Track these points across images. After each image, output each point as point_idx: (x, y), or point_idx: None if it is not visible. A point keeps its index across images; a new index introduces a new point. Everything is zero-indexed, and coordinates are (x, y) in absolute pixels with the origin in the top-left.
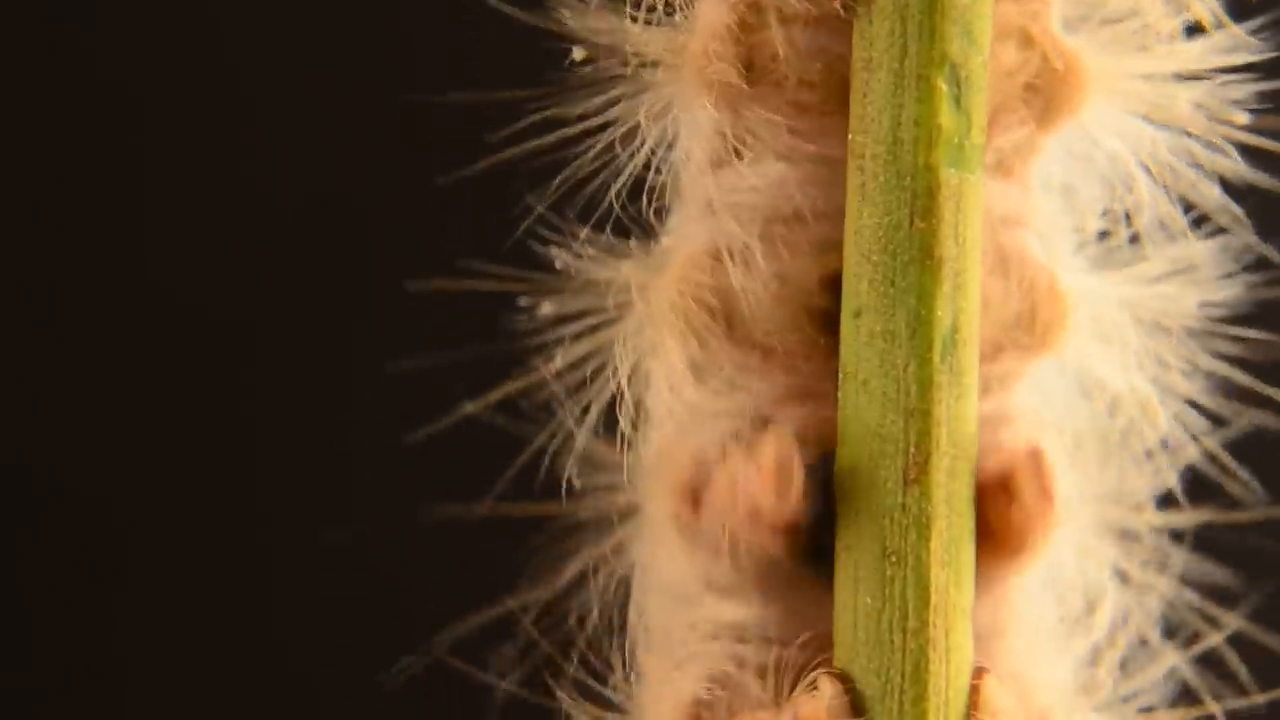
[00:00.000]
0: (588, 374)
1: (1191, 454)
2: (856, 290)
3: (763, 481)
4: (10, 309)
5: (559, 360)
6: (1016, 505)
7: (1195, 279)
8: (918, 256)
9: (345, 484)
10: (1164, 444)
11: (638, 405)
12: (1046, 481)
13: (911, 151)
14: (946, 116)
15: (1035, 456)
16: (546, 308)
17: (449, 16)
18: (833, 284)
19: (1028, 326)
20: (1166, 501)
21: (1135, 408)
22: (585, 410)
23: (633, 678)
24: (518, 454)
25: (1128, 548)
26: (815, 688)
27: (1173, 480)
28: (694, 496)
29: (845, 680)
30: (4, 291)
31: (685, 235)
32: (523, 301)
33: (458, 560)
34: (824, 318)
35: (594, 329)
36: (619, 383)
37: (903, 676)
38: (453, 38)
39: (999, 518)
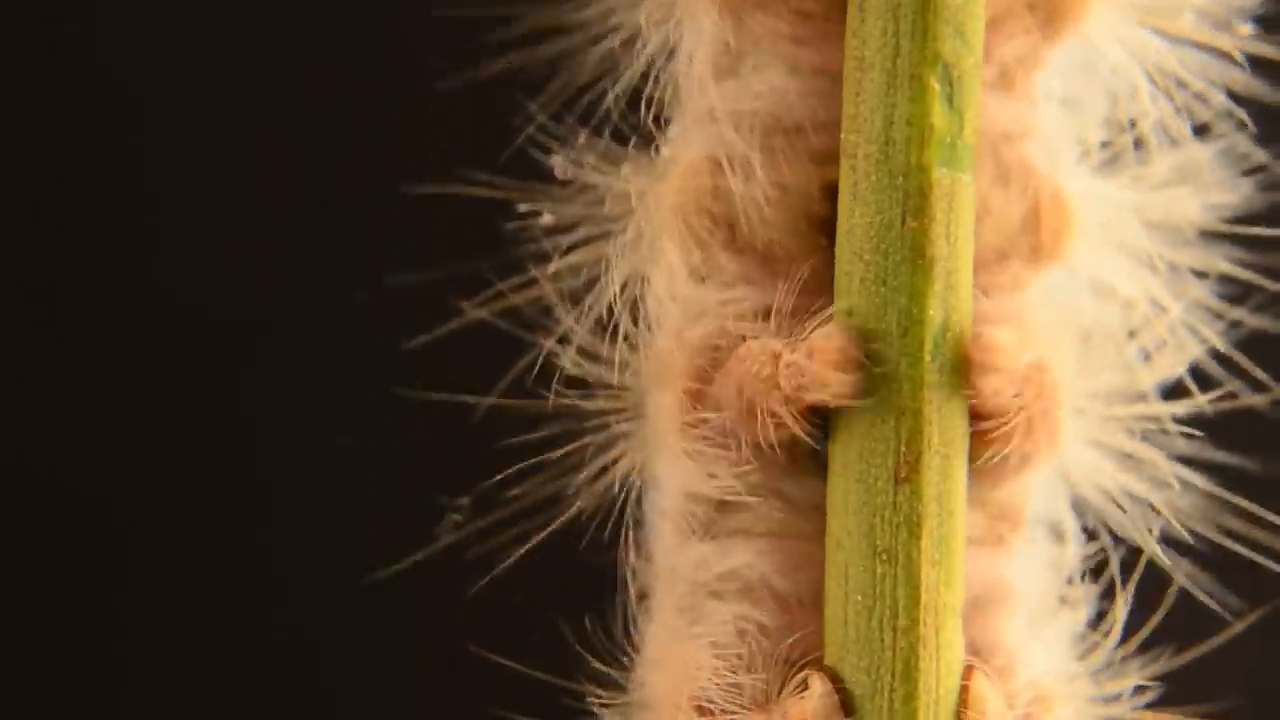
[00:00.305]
0: (588, 280)
1: (1197, 353)
2: (848, 289)
3: (820, 362)
4: (10, 309)
5: (559, 267)
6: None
7: (1200, 183)
8: (909, 256)
9: (347, 483)
10: (1170, 343)
11: (635, 310)
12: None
13: (904, 151)
14: (939, 116)
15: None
16: (547, 217)
17: None
18: (832, 192)
19: (1032, 235)
20: (1171, 395)
21: (1143, 309)
22: (584, 315)
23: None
24: (518, 358)
25: (1134, 444)
26: (805, 687)
27: (1178, 376)
28: (699, 389)
29: (835, 679)
30: (4, 291)
31: (686, 143)
32: (522, 209)
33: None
34: (824, 224)
35: (594, 237)
36: (616, 290)
37: (893, 675)
38: None
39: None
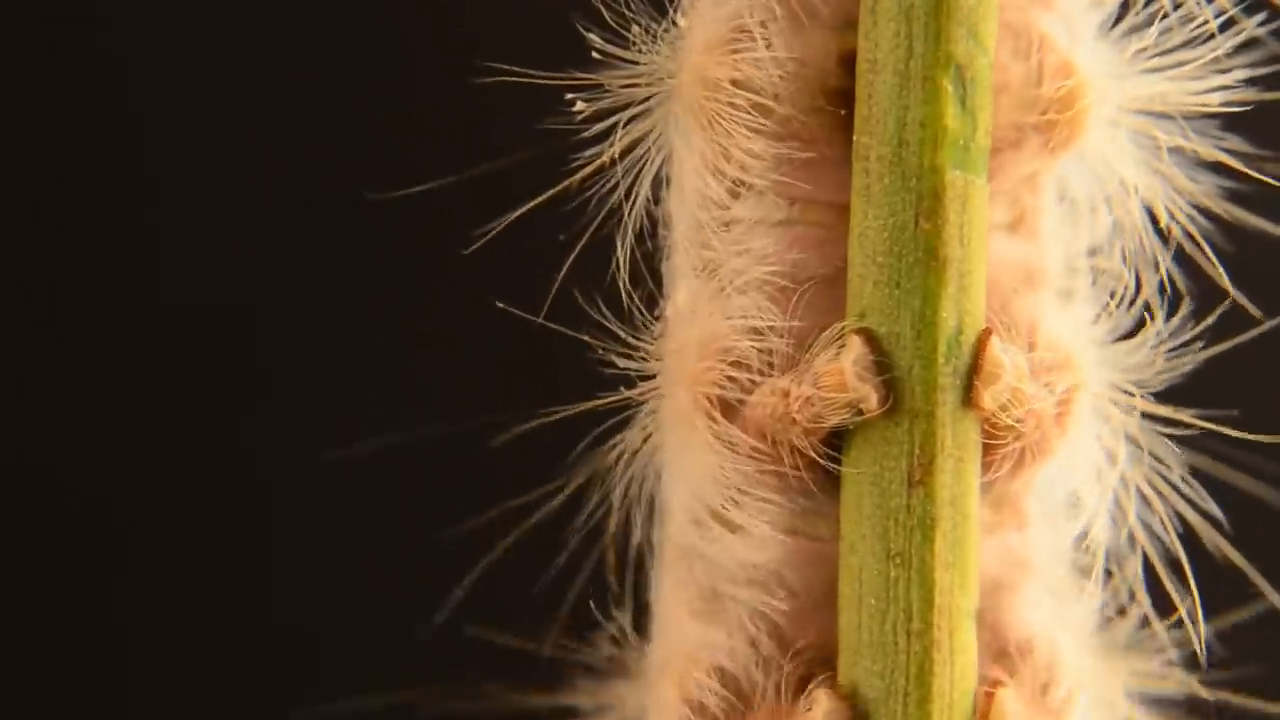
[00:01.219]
0: (624, 168)
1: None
2: (861, 291)
3: (828, 388)
4: (10, 309)
5: (598, 155)
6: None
7: (1212, 71)
8: (923, 258)
9: (348, 484)
10: (1170, 247)
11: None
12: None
13: (917, 153)
14: (952, 118)
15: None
16: (580, 104)
17: None
18: (850, 62)
19: (1048, 110)
20: (1174, 306)
21: (1147, 203)
22: (629, 204)
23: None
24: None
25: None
26: (814, 701)
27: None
28: (723, 405)
29: (848, 695)
30: (4, 292)
31: (705, 16)
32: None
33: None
34: (842, 97)
35: (630, 120)
36: (652, 177)
37: (907, 678)
38: None
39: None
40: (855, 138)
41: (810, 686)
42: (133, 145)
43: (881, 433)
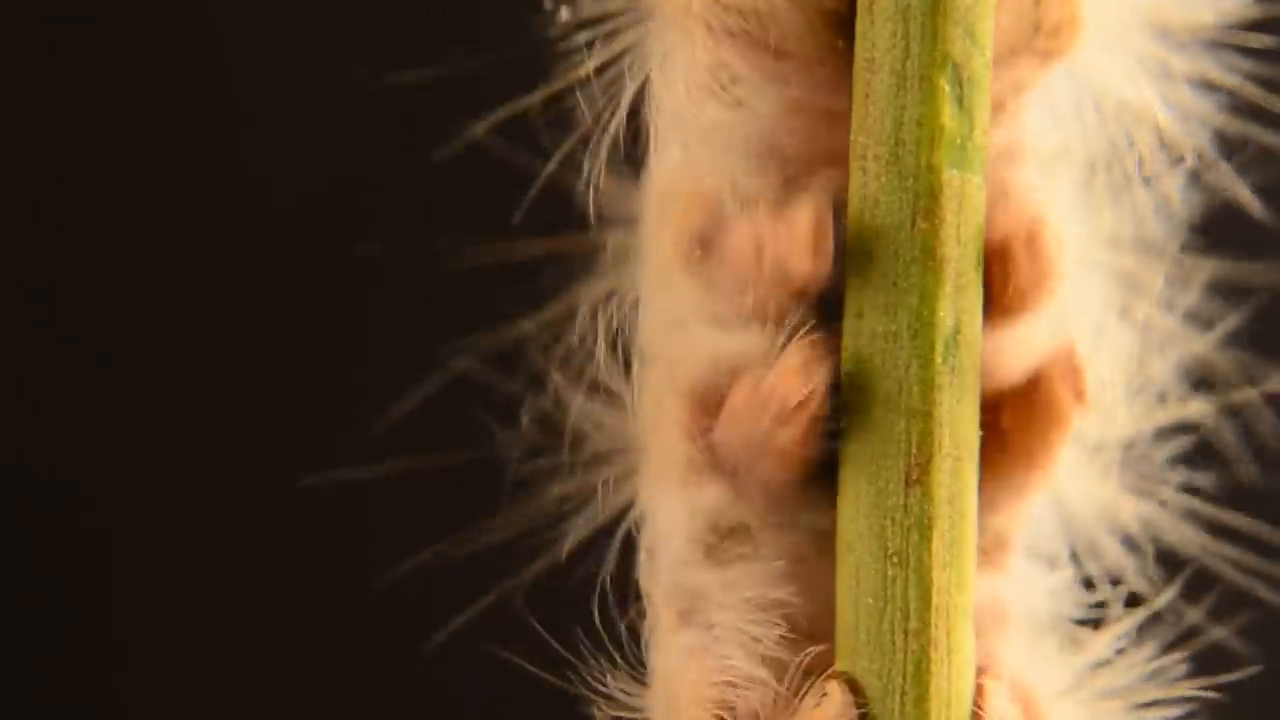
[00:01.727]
0: (609, 80)
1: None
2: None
3: (796, 243)
4: (10, 309)
5: (579, 67)
6: (1044, 400)
7: None
8: (920, 257)
9: (346, 481)
10: (1172, 159)
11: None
12: (1081, 383)
13: (914, 152)
14: (949, 117)
15: (1034, 230)
16: (564, 12)
17: None
18: None
19: (1042, 24)
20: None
21: (1143, 120)
22: (609, 115)
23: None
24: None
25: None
26: (824, 695)
27: (1179, 203)
28: (704, 243)
29: (855, 690)
30: (4, 292)
31: None
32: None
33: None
34: (839, 21)
35: (614, 33)
36: (636, 90)
37: (904, 678)
38: None
39: (1017, 421)
40: (852, 137)
41: (818, 678)
42: (133, 145)
43: (878, 432)
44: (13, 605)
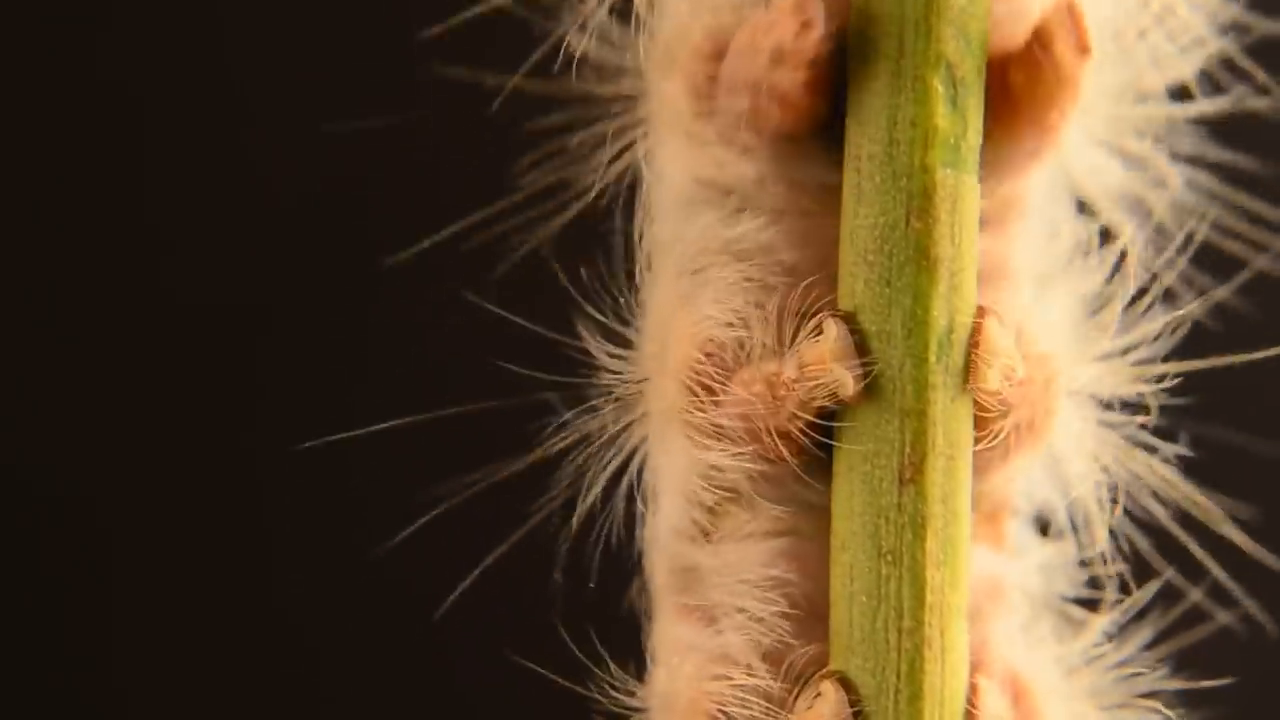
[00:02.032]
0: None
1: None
2: (852, 290)
3: (784, 18)
4: (10, 309)
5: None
6: (1048, 58)
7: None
8: (914, 256)
9: (346, 483)
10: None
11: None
12: (1082, 33)
13: (908, 152)
14: (943, 117)
15: (1070, 7)
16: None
17: None
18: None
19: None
20: (1181, 95)
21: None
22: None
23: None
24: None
25: (1140, 144)
26: (818, 695)
27: (1188, 71)
28: (710, 80)
29: (849, 688)
30: (4, 292)
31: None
32: None
33: None
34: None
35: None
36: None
37: (898, 676)
38: None
39: (1025, 82)
40: (846, 136)
41: (812, 676)
42: (134, 145)
43: (872, 430)
44: (12, 605)
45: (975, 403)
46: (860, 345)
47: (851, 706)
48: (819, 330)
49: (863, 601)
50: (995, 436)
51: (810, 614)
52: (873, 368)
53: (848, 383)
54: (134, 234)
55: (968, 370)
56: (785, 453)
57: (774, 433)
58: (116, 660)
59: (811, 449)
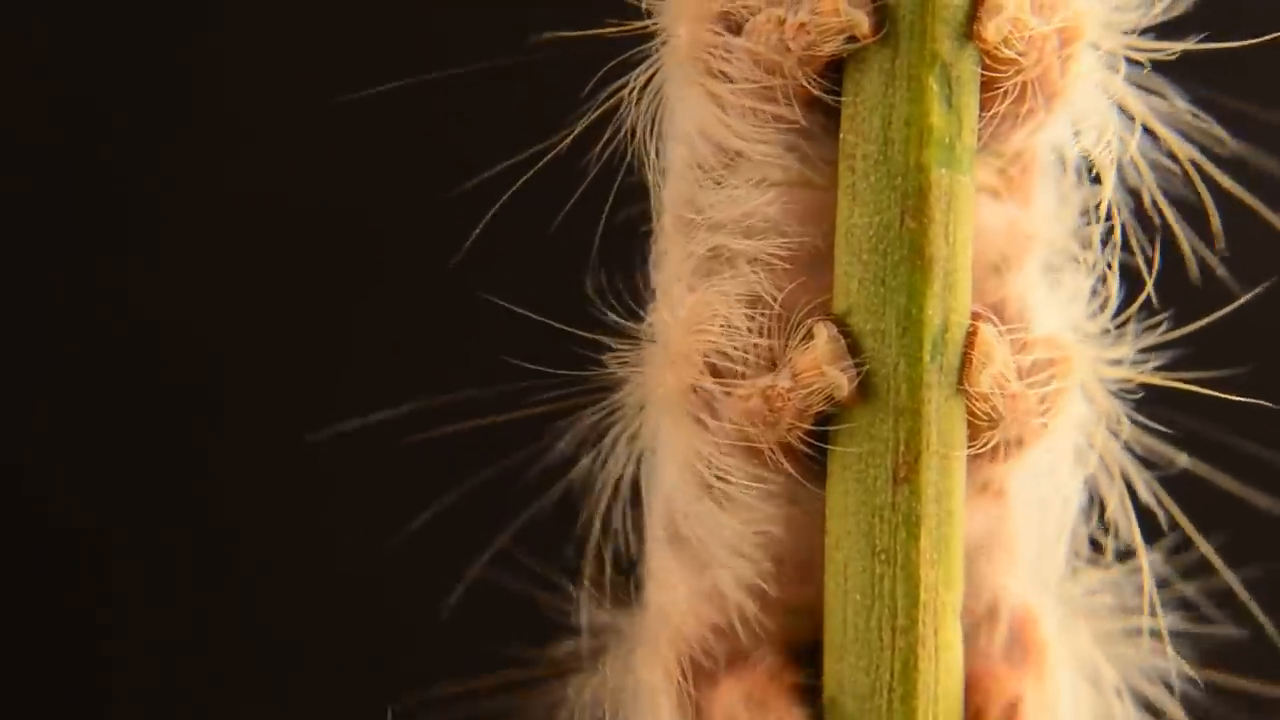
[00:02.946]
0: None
1: None
2: (847, 289)
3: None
4: (10, 309)
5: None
6: None
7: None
8: (908, 256)
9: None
10: None
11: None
12: None
13: (902, 151)
14: (937, 116)
15: None
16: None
17: None
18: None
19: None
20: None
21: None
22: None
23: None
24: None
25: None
26: (810, 337)
27: None
28: (726, 40)
29: (841, 324)
30: (3, 292)
31: None
32: None
33: None
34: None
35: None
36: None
37: (891, 674)
38: None
39: None
40: (841, 135)
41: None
42: (133, 146)
43: (866, 429)
44: (11, 606)
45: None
46: (853, 345)
47: (851, 346)
48: (810, 335)
49: (857, 600)
50: (987, 444)
51: (797, 577)
52: (865, 367)
53: (843, 384)
54: (134, 234)
55: (962, 370)
56: (787, 465)
57: (775, 448)
58: (116, 660)
59: (808, 452)
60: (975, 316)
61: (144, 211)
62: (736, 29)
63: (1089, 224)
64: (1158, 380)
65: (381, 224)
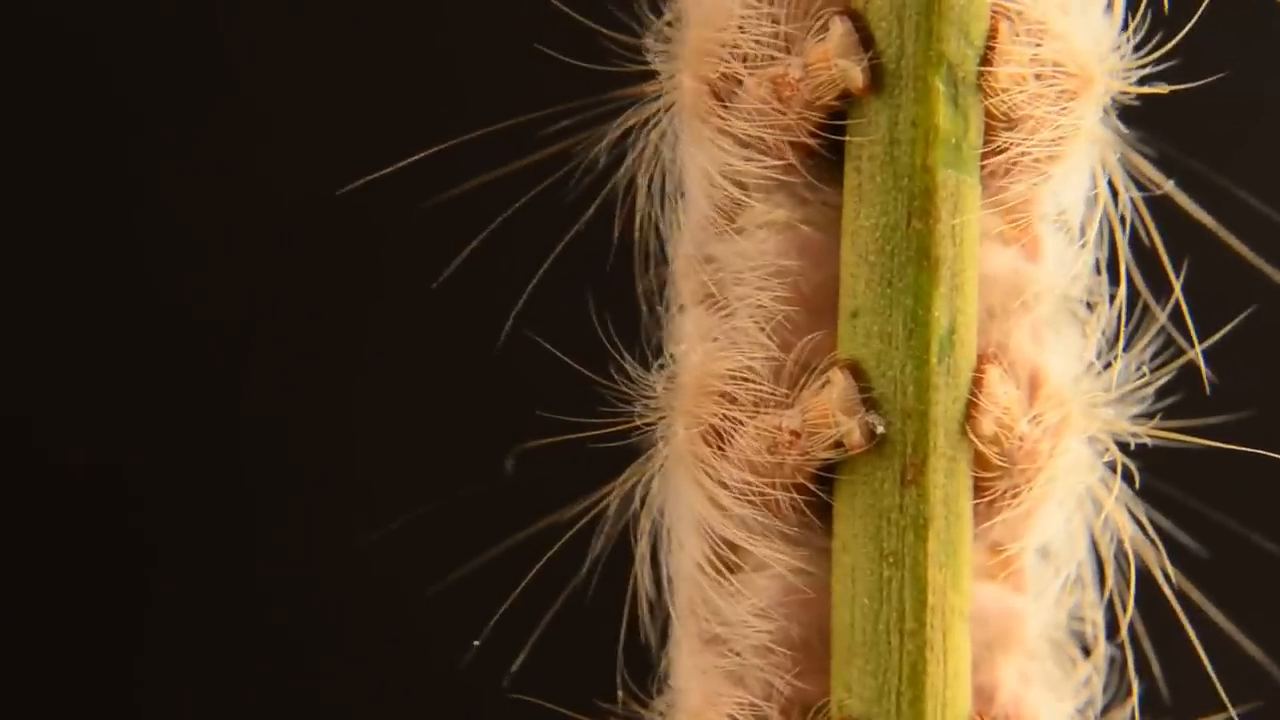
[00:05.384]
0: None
1: None
2: (854, 291)
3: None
4: (10, 309)
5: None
6: None
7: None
8: (915, 257)
9: (343, 482)
10: None
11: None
12: None
13: (909, 152)
14: (944, 117)
15: None
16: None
17: None
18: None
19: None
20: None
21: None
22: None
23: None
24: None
25: None
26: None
27: None
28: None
29: (858, 375)
30: (4, 291)
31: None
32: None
33: None
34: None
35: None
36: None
37: (900, 678)
38: None
39: None
40: (847, 137)
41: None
42: (134, 145)
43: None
44: (10, 606)
45: (976, 457)
46: (867, 400)
47: (862, 393)
48: (825, 381)
49: (864, 604)
50: (997, 494)
51: (816, 304)
52: (874, 399)
53: (854, 432)
54: (133, 235)
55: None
56: (798, 502)
57: (785, 487)
58: (114, 662)
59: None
60: (983, 359)
61: (163, 206)
62: (736, 84)
63: (1090, 276)
64: (1161, 435)
65: (393, 228)
